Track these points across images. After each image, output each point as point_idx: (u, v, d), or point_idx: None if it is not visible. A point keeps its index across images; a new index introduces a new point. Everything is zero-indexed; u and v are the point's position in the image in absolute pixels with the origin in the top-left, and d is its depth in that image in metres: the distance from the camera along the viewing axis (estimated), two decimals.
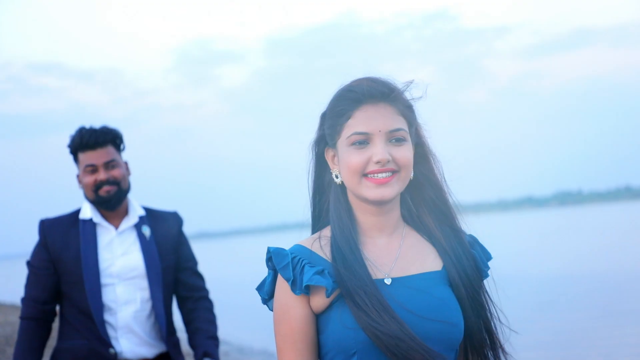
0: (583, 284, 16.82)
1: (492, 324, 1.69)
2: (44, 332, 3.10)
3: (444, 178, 1.73)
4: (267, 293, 1.69)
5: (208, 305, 3.32)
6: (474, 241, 1.74)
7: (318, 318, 1.62)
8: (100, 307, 3.04)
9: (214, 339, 3.23)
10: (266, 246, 1.68)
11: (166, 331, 3.14)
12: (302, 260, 1.61)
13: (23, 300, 3.12)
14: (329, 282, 1.57)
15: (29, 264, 3.15)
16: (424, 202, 1.72)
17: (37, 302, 3.09)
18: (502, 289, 1.74)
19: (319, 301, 1.60)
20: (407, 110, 1.65)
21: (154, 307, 3.13)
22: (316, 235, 1.69)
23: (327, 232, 1.69)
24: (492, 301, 1.70)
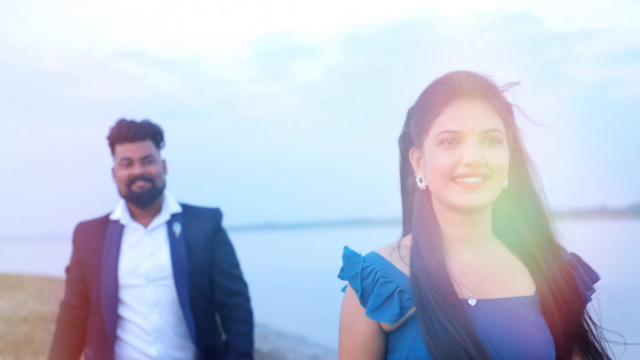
0: None
1: (598, 347, 1.50)
2: (74, 337, 2.98)
3: (542, 189, 1.54)
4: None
5: (243, 315, 3.05)
6: (576, 261, 1.55)
7: (389, 336, 1.46)
8: (113, 306, 2.88)
9: (244, 356, 3.00)
10: (333, 242, 1.55)
11: (196, 336, 2.94)
12: (376, 272, 1.45)
13: (60, 304, 3.05)
14: (395, 308, 1.42)
15: (66, 268, 3.06)
16: (519, 215, 1.52)
17: (68, 306, 2.99)
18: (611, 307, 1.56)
19: None
20: (504, 111, 1.47)
21: (182, 310, 2.92)
22: (395, 243, 1.53)
23: (406, 241, 1.53)
24: (594, 325, 1.51)
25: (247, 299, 3.09)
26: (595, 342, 1.50)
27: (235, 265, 3.11)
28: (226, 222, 3.18)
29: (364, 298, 1.45)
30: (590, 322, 1.51)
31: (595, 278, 1.55)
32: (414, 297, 1.42)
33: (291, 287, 22.66)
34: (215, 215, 3.10)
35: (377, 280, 1.45)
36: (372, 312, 1.43)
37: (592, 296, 1.53)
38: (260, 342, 11.22)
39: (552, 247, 1.51)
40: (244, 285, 3.11)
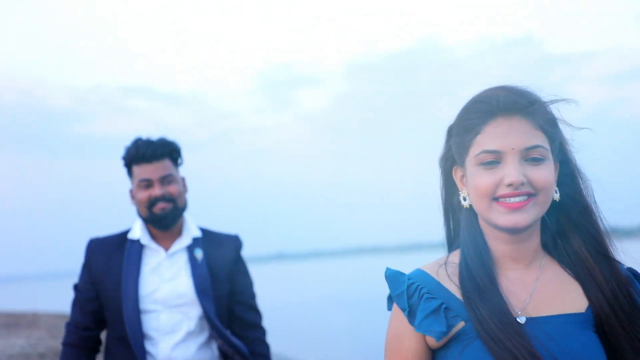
0: None
1: None
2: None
3: (594, 200, 1.49)
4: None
5: (262, 349, 2.97)
6: (634, 276, 1.49)
7: (435, 353, 1.44)
8: (140, 336, 2.73)
9: None
10: (381, 268, 1.51)
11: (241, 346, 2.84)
12: (421, 289, 1.43)
13: (66, 325, 2.84)
14: (442, 325, 1.39)
15: (75, 286, 2.89)
16: (572, 227, 1.48)
17: (79, 327, 2.80)
18: None
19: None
20: (547, 125, 1.42)
21: (219, 335, 2.80)
22: (441, 260, 1.50)
23: (454, 257, 1.50)
24: None
25: (264, 332, 3.02)
26: None
27: (254, 296, 3.03)
28: None
29: (411, 316, 1.42)
30: None
31: None
32: (471, 315, 1.38)
33: (305, 316, 22.99)
34: (236, 242, 3.02)
35: (422, 296, 1.42)
36: (419, 326, 1.40)
37: None
38: None
39: (609, 261, 1.46)
40: (260, 317, 3.03)
